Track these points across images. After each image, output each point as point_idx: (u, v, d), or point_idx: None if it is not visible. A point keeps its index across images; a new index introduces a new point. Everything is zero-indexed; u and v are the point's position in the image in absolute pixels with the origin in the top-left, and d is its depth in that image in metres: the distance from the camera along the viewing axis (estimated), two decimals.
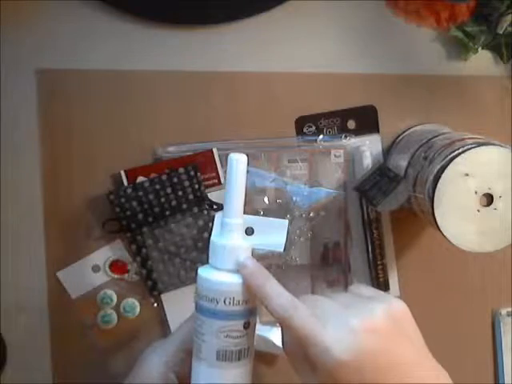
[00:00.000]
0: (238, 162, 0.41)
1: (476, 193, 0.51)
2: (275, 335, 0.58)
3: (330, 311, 0.38)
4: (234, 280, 0.40)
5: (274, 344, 0.58)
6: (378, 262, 0.61)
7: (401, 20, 0.60)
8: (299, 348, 0.38)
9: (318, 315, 0.38)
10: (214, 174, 0.58)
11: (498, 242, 0.52)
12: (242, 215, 0.41)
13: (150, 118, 0.58)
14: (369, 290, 0.42)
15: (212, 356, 0.40)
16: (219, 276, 0.40)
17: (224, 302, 0.40)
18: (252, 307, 0.41)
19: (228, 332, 0.40)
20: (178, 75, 0.58)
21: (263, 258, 0.59)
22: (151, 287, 0.58)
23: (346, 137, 0.60)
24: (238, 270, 0.40)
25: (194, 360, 0.42)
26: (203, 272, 0.41)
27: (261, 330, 0.58)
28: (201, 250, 0.58)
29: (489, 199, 0.52)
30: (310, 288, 0.61)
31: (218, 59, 0.58)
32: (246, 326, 0.41)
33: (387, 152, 0.61)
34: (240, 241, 0.41)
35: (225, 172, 0.58)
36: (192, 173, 0.57)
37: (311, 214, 0.60)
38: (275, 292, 0.39)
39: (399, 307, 0.39)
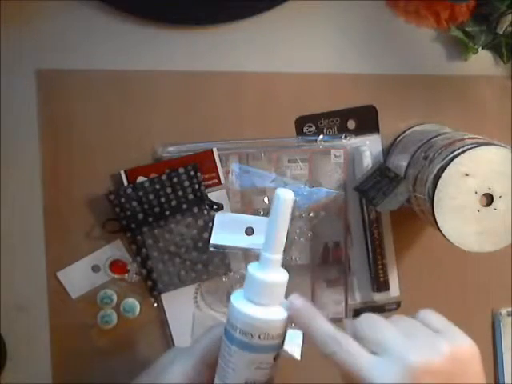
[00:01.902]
0: (285, 199, 0.39)
1: (476, 193, 0.51)
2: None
3: (389, 342, 0.36)
4: (271, 316, 0.40)
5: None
6: (378, 262, 0.61)
7: (401, 20, 0.60)
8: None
9: (373, 345, 0.36)
10: (214, 174, 0.58)
11: (498, 242, 0.52)
12: (282, 251, 0.40)
13: (150, 118, 0.58)
14: (439, 321, 0.39)
15: None
16: (256, 311, 0.40)
17: (259, 336, 0.40)
18: (283, 338, 0.41)
19: (259, 364, 0.40)
20: (178, 75, 0.58)
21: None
22: (151, 287, 0.58)
23: (345, 137, 0.60)
24: (286, 308, 0.40)
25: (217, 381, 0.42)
26: (238, 303, 0.40)
27: None
28: (201, 250, 0.58)
29: (489, 199, 0.52)
30: (310, 288, 0.61)
31: (218, 59, 0.58)
32: (276, 357, 0.41)
33: (387, 152, 0.61)
34: (280, 277, 0.41)
35: (225, 172, 0.58)
36: (192, 173, 0.57)
37: (311, 214, 0.60)
38: (319, 330, 0.38)
39: (467, 348, 0.36)
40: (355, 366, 0.36)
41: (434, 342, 0.36)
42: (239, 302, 0.41)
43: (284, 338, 0.42)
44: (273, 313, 0.40)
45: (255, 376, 0.41)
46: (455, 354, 0.35)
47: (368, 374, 0.35)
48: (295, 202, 0.59)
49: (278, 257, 0.40)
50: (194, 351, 0.45)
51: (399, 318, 0.40)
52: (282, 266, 0.41)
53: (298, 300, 0.40)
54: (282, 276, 0.41)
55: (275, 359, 0.41)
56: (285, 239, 0.40)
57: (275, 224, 0.40)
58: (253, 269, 0.41)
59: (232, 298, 0.41)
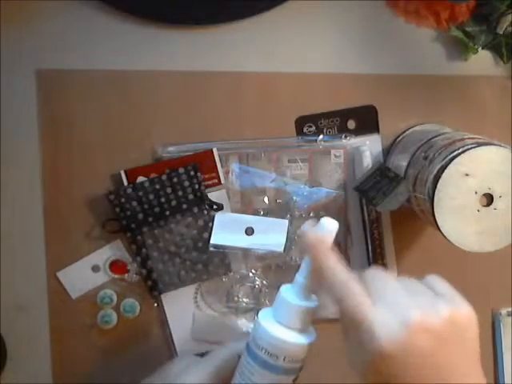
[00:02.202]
0: (328, 229, 0.39)
1: (476, 193, 0.51)
2: None
3: (392, 296, 0.37)
4: (299, 341, 0.40)
5: None
6: (378, 262, 0.61)
7: (401, 20, 0.60)
8: (351, 329, 0.37)
9: (377, 297, 0.37)
10: (214, 174, 0.58)
11: (498, 242, 0.52)
12: (309, 275, 0.41)
13: (150, 118, 0.58)
14: (443, 287, 0.40)
15: None
16: (285, 334, 0.40)
17: (284, 359, 0.40)
18: (304, 363, 0.42)
19: (280, 382, 0.41)
20: (178, 75, 0.58)
21: (263, 258, 0.59)
22: (151, 287, 0.58)
23: (345, 137, 0.60)
24: (299, 236, 0.40)
25: None
26: (267, 324, 0.41)
27: None
28: (201, 250, 0.58)
29: (489, 199, 0.52)
30: None
31: (218, 59, 0.58)
32: (295, 379, 0.42)
33: (387, 152, 0.61)
34: (312, 304, 0.41)
35: (225, 172, 0.58)
36: (192, 173, 0.57)
37: (311, 214, 0.60)
38: (332, 271, 0.38)
39: (466, 313, 0.37)
40: (359, 314, 0.36)
41: (435, 303, 0.37)
42: (267, 322, 0.41)
43: (304, 361, 0.42)
44: (301, 337, 0.40)
45: None
46: (454, 317, 0.36)
47: (369, 324, 0.35)
48: (295, 202, 0.59)
49: (307, 281, 0.41)
50: (211, 362, 0.45)
51: (406, 278, 0.40)
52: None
53: (313, 236, 0.40)
54: (314, 302, 0.41)
55: (294, 381, 0.42)
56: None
57: (313, 250, 0.40)
58: (286, 292, 0.41)
59: (260, 316, 0.41)
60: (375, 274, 0.39)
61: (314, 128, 0.60)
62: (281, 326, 0.40)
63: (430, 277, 0.41)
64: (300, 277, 0.41)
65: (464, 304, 0.38)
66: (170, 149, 0.58)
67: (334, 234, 0.39)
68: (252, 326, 0.42)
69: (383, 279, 0.39)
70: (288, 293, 0.41)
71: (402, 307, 0.36)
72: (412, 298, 0.37)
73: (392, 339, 0.35)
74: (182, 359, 0.49)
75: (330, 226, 0.39)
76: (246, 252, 0.59)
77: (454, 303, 0.37)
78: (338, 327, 0.58)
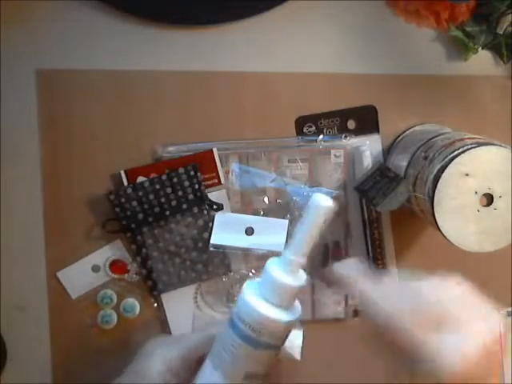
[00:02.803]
0: (320, 206, 0.39)
1: (476, 193, 0.51)
2: None
3: (451, 320, 0.37)
4: (283, 317, 0.40)
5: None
6: (378, 262, 0.61)
7: (401, 20, 0.60)
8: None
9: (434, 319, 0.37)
10: (214, 174, 0.58)
11: (498, 242, 0.52)
12: (306, 256, 0.40)
13: (150, 118, 0.58)
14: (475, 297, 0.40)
15: (239, 375, 0.41)
16: (269, 311, 0.40)
17: (267, 335, 0.40)
18: (286, 338, 0.41)
19: (261, 359, 0.41)
20: (179, 75, 0.58)
21: (263, 258, 0.59)
22: (151, 287, 0.58)
23: (345, 137, 0.60)
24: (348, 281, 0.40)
25: (216, 370, 0.42)
26: (252, 300, 0.40)
27: None
28: (201, 250, 0.58)
29: (489, 199, 0.52)
30: (310, 288, 0.61)
31: (219, 59, 0.58)
32: (278, 353, 0.42)
33: (387, 152, 0.61)
34: (299, 281, 0.40)
35: (225, 172, 0.58)
36: (192, 173, 0.57)
37: None
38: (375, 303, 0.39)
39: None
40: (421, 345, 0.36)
41: (486, 318, 0.37)
42: (253, 297, 0.40)
43: (287, 337, 0.42)
44: (286, 314, 0.40)
45: (256, 369, 0.41)
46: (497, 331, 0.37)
47: (431, 353, 0.35)
48: (295, 202, 0.59)
49: (301, 260, 0.40)
50: (181, 346, 0.46)
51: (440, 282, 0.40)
52: None
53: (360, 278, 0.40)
54: (301, 279, 0.40)
55: (276, 355, 0.42)
56: (311, 245, 0.40)
57: (305, 227, 0.39)
58: (273, 267, 0.40)
59: (245, 291, 0.41)
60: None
61: (313, 128, 0.60)
62: (266, 302, 0.40)
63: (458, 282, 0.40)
64: (289, 253, 0.40)
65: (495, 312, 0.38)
66: (170, 149, 0.58)
67: (327, 211, 0.39)
68: (237, 301, 0.41)
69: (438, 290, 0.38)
70: (275, 269, 0.40)
71: (463, 334, 0.36)
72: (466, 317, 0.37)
73: (455, 370, 0.35)
74: (152, 340, 0.49)
75: (322, 202, 0.38)
76: (245, 252, 0.59)
77: (494, 314, 0.37)
78: (338, 327, 0.59)
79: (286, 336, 0.41)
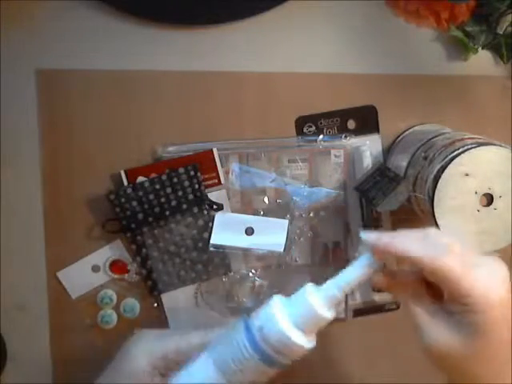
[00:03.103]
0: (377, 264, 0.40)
1: (476, 193, 0.51)
2: None
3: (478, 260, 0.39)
4: (309, 345, 0.40)
5: None
6: None
7: (401, 20, 0.60)
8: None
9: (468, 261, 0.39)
10: (214, 174, 0.58)
11: (498, 242, 0.52)
12: (344, 292, 0.41)
13: (150, 118, 0.58)
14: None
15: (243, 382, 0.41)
16: (300, 339, 0.40)
17: (288, 358, 0.40)
18: None
19: (271, 374, 0.41)
20: (179, 75, 0.58)
21: (263, 258, 0.59)
22: (151, 287, 0.58)
23: (345, 137, 0.60)
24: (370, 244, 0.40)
25: (217, 371, 0.41)
26: (282, 321, 0.40)
27: None
28: (201, 250, 0.58)
29: (489, 199, 0.52)
30: None
31: (219, 59, 0.58)
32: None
33: (387, 152, 0.61)
34: (331, 315, 0.41)
35: (225, 172, 0.58)
36: (192, 173, 0.57)
37: (311, 214, 0.60)
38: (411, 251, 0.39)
39: None
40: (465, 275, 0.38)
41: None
42: (284, 320, 0.40)
43: None
44: (310, 342, 0.40)
45: (259, 379, 0.41)
46: None
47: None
48: (295, 202, 0.59)
49: (342, 297, 0.40)
50: (166, 345, 0.46)
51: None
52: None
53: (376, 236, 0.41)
54: (332, 314, 0.41)
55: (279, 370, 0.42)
56: (353, 289, 0.40)
57: (358, 271, 0.40)
58: (313, 295, 0.40)
59: (275, 308, 0.40)
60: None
61: (313, 128, 0.60)
62: (297, 328, 0.40)
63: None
64: (334, 287, 0.40)
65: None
66: (170, 149, 0.58)
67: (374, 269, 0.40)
68: (261, 315, 0.41)
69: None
70: (315, 297, 0.40)
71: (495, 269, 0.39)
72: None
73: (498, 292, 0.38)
74: (138, 334, 0.49)
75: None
76: (245, 252, 0.59)
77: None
78: (338, 327, 0.59)
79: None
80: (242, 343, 0.40)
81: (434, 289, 0.41)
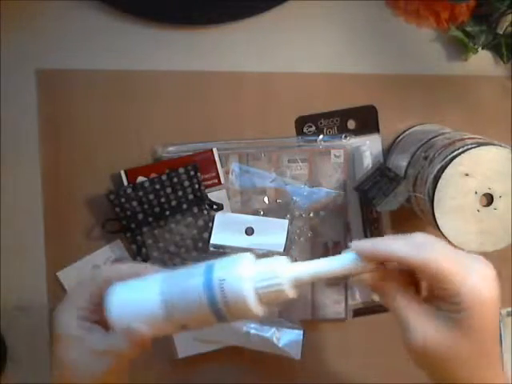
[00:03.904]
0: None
1: (476, 193, 0.51)
2: (275, 335, 0.58)
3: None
4: (258, 312, 0.39)
5: (274, 344, 0.58)
6: None
7: (401, 20, 0.60)
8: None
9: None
10: (214, 174, 0.58)
11: (498, 242, 0.52)
12: (313, 279, 0.40)
13: (150, 118, 0.58)
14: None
15: (177, 322, 0.41)
16: (253, 302, 0.39)
17: (234, 317, 0.40)
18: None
19: (206, 321, 0.40)
20: (178, 75, 0.58)
21: (263, 257, 0.59)
22: None
23: (345, 137, 0.60)
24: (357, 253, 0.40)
25: (159, 301, 0.40)
26: (246, 280, 0.39)
27: (260, 330, 0.58)
28: (201, 250, 0.58)
29: (489, 199, 0.52)
30: (310, 288, 0.61)
31: (219, 59, 0.58)
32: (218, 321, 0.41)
33: (387, 152, 0.61)
34: (292, 292, 0.40)
35: (225, 172, 0.58)
36: (192, 173, 0.57)
37: (311, 214, 0.60)
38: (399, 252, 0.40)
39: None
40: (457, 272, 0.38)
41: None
42: (247, 282, 0.39)
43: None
44: (261, 311, 0.39)
45: (193, 325, 0.41)
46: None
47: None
48: (295, 202, 0.59)
49: (307, 281, 0.40)
50: (79, 295, 0.44)
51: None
52: None
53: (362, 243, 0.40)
54: (294, 294, 0.40)
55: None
56: (325, 277, 0.40)
57: (336, 264, 0.40)
58: (282, 268, 0.40)
59: (242, 267, 0.40)
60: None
61: (314, 128, 0.60)
62: (255, 293, 0.39)
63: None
64: (307, 271, 0.40)
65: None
66: (170, 149, 0.58)
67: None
68: (227, 267, 0.40)
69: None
70: (284, 273, 0.39)
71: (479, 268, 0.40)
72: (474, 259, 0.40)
73: (487, 289, 0.39)
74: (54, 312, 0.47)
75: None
76: (245, 252, 0.59)
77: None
78: (338, 327, 0.58)
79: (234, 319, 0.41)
80: (197, 283, 0.40)
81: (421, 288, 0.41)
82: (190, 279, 0.40)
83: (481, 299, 0.38)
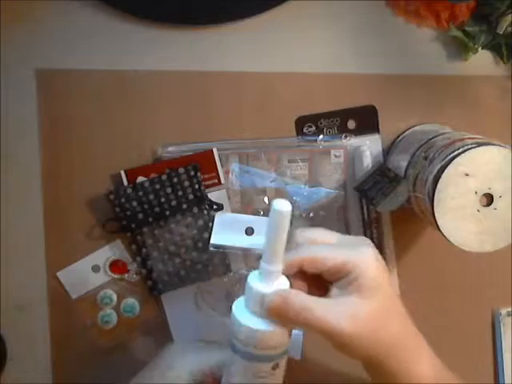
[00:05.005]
0: (281, 211, 0.39)
1: (476, 193, 0.51)
2: None
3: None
4: (267, 328, 0.40)
5: None
6: None
7: (401, 20, 0.60)
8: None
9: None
10: (214, 174, 0.58)
11: (498, 242, 0.52)
12: (282, 262, 0.40)
13: (150, 118, 0.58)
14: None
15: None
16: (253, 321, 0.40)
17: (255, 346, 0.40)
18: (283, 350, 0.41)
19: (256, 372, 0.41)
20: (178, 75, 0.58)
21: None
22: (151, 287, 0.58)
23: (346, 137, 0.60)
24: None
25: None
26: (237, 311, 0.41)
27: None
28: (201, 250, 0.58)
29: (489, 199, 0.52)
30: None
31: (219, 59, 0.58)
32: (275, 367, 0.41)
33: (387, 152, 0.61)
34: (278, 288, 0.40)
35: (225, 172, 0.58)
36: (192, 173, 0.57)
37: (311, 214, 0.60)
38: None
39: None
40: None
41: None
42: (239, 311, 0.41)
43: (286, 349, 0.42)
44: (269, 324, 0.40)
45: (252, 382, 0.41)
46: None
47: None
48: (295, 202, 0.59)
49: (278, 268, 0.40)
50: (203, 360, 0.46)
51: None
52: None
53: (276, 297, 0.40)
54: (282, 286, 0.40)
55: (273, 369, 0.41)
56: (283, 250, 0.40)
57: (274, 236, 0.39)
58: (252, 279, 0.41)
59: (234, 306, 0.41)
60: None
61: (314, 128, 0.60)
62: (250, 313, 0.40)
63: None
64: (266, 265, 0.40)
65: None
66: (170, 149, 0.58)
67: (288, 215, 0.39)
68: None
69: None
70: (256, 282, 0.40)
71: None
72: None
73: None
74: (172, 349, 0.49)
75: (282, 207, 0.39)
76: (245, 252, 0.59)
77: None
78: None
79: (279, 348, 0.41)
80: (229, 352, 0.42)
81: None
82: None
83: (366, 263, 0.40)
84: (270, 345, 0.40)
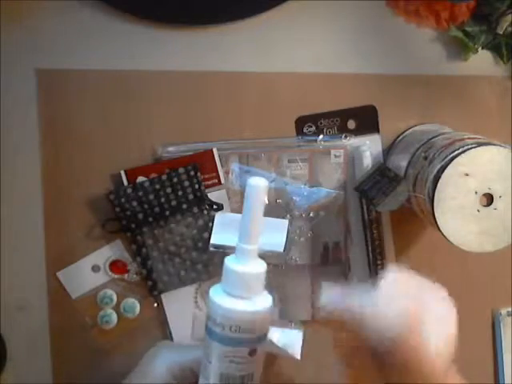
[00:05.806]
0: (257, 187, 0.38)
1: (476, 193, 0.51)
2: (274, 335, 0.58)
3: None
4: (243, 308, 0.39)
5: (273, 344, 0.57)
6: (378, 262, 0.61)
7: (401, 20, 0.60)
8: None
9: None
10: (214, 174, 0.58)
11: (498, 242, 0.52)
12: (258, 242, 0.40)
13: (150, 118, 0.58)
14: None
15: (216, 378, 0.40)
16: (228, 302, 0.39)
17: (230, 328, 0.39)
18: (260, 335, 0.40)
19: (232, 357, 0.40)
20: (178, 75, 0.58)
21: (263, 258, 0.59)
22: (151, 287, 0.58)
23: (346, 137, 0.60)
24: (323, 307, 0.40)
25: (201, 379, 0.42)
26: (213, 293, 0.40)
27: None
28: (201, 250, 0.58)
29: (489, 199, 0.52)
30: (310, 288, 0.61)
31: (218, 59, 0.58)
32: (252, 353, 0.40)
33: (387, 152, 0.61)
34: (255, 268, 0.40)
35: (225, 172, 0.58)
36: (192, 173, 0.57)
37: (311, 214, 0.60)
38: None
39: None
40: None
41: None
42: (216, 293, 0.40)
43: (264, 335, 0.41)
44: (245, 304, 0.39)
45: (229, 369, 0.40)
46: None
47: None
48: (295, 202, 0.59)
49: (254, 247, 0.39)
50: (185, 355, 0.45)
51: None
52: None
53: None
54: (258, 267, 0.40)
55: (251, 355, 0.40)
56: (260, 228, 0.39)
57: (249, 213, 0.39)
58: (230, 262, 0.40)
59: (211, 290, 0.40)
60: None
61: (313, 128, 0.60)
62: (225, 294, 0.39)
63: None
64: (242, 244, 0.39)
65: None
66: (170, 149, 0.58)
67: (264, 191, 0.39)
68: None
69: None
70: (232, 262, 0.39)
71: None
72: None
73: None
74: (163, 343, 0.50)
75: (258, 183, 0.38)
76: None
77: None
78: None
79: (256, 332, 0.40)
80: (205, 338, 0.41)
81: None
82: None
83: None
84: (247, 328, 0.39)
